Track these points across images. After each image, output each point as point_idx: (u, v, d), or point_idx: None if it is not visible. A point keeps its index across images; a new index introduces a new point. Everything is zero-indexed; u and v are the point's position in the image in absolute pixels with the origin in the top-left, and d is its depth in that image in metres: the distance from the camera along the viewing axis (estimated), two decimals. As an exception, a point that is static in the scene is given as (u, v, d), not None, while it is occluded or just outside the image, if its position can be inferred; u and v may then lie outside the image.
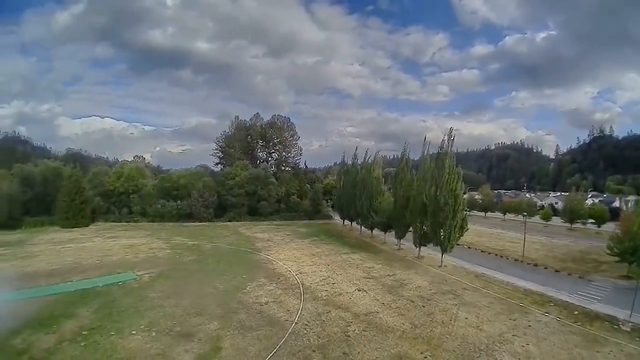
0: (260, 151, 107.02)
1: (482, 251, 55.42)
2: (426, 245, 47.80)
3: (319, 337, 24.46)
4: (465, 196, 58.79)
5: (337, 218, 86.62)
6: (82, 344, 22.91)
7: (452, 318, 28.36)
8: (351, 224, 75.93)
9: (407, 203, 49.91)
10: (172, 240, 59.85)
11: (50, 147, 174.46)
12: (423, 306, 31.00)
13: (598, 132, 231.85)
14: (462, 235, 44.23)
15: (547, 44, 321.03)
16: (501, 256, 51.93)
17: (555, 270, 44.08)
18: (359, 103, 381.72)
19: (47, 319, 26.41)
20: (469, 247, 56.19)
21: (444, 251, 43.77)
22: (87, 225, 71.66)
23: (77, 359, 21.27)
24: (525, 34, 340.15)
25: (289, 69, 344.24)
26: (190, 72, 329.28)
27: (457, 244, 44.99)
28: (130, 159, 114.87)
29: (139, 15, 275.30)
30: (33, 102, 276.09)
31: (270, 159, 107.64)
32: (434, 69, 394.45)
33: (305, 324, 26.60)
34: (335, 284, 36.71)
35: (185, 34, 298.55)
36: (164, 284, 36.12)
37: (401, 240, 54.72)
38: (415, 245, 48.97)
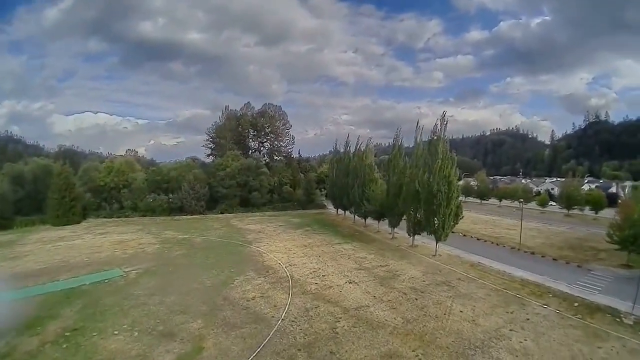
0: (252, 141, 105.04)
1: (477, 239, 54.24)
2: (420, 234, 46.58)
3: (306, 335, 23.35)
4: (460, 183, 57.51)
5: (331, 207, 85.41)
6: (64, 345, 22.38)
7: (446, 311, 27.20)
8: (345, 213, 74.81)
9: (400, 191, 48.47)
10: (162, 234, 58.70)
11: (43, 145, 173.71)
12: (416, 299, 29.82)
13: (593, 117, 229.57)
14: (456, 223, 43.08)
15: (541, 30, 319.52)
16: (497, 244, 50.86)
17: (553, 259, 42.90)
18: (354, 91, 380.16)
19: (32, 321, 25.90)
20: (464, 235, 55.21)
21: (438, 240, 42.61)
22: (78, 223, 70.14)
23: (58, 362, 20.42)
24: (520, 19, 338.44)
25: (281, 57, 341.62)
26: (182, 64, 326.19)
27: (452, 232, 43.96)
28: (124, 153, 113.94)
29: (129, 7, 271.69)
30: (25, 100, 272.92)
31: (262, 148, 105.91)
32: (428, 55, 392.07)
33: (292, 321, 25.52)
34: (325, 276, 35.64)
35: (176, 25, 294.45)
36: (150, 280, 35.20)
37: (395, 228, 53.47)
38: (408, 234, 47.80)
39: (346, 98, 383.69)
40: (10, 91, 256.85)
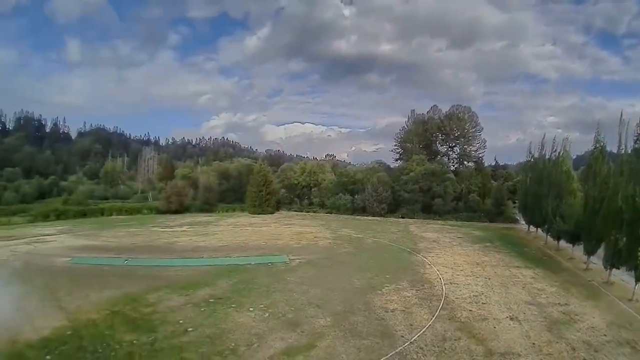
0: (440, 145, 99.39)
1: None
2: (619, 268, 33.96)
3: (425, 370, 19.74)
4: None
5: (523, 223, 72.54)
6: (202, 309, 25.55)
7: (615, 389, 18.41)
8: (536, 230, 62.18)
9: (600, 207, 36.12)
10: (339, 231, 61.46)
11: (256, 149, 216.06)
12: (584, 359, 21.49)
13: None
14: (670, 261, 29.57)
15: None
16: None
17: None
18: (557, 88, 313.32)
19: (190, 284, 30.65)
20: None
21: (638, 280, 30.29)
22: (271, 213, 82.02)
23: (188, 319, 23.71)
24: None
25: (475, 58, 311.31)
26: (377, 75, 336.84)
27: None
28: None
29: (322, 30, 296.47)
30: (240, 113, 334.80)
31: (451, 153, 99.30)
32: (634, 41, 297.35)
33: (420, 347, 21.84)
34: (484, 305, 29.55)
35: (367, 39, 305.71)
36: (306, 271, 37.07)
37: (591, 257, 40.31)
38: (604, 267, 35.40)
39: (550, 97, 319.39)
40: (226, 106, 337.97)
